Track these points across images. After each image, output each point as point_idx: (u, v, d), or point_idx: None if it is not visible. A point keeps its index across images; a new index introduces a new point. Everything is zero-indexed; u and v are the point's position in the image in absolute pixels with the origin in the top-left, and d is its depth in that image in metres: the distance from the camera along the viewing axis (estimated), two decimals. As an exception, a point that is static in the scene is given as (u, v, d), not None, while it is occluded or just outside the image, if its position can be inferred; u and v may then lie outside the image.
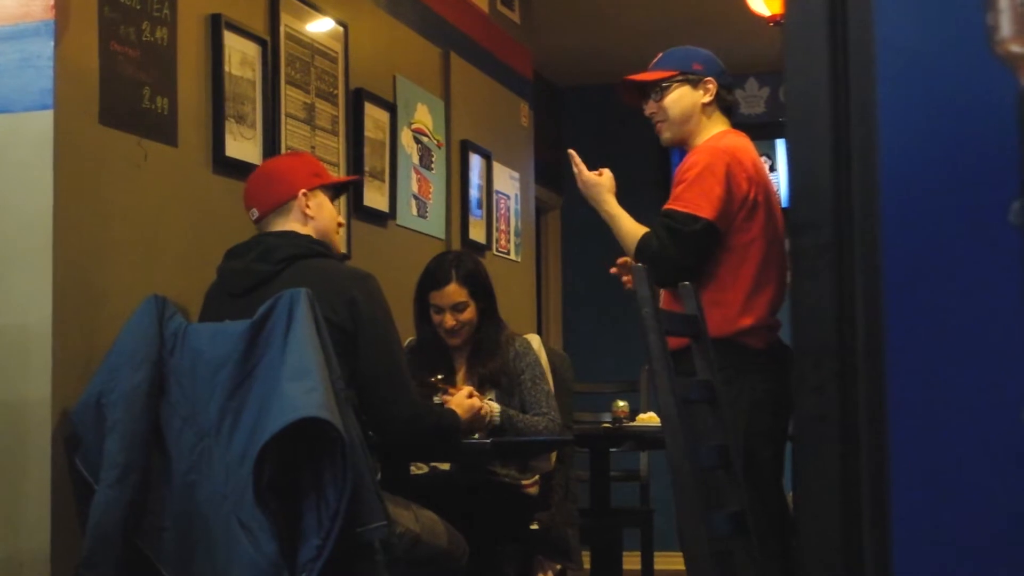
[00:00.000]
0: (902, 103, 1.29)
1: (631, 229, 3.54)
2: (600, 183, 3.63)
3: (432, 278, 4.03)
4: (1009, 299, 1.24)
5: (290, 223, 3.27)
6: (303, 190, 3.28)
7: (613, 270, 3.64)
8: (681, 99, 3.64)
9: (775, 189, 3.67)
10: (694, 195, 3.43)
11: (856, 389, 1.31)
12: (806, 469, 1.36)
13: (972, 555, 1.26)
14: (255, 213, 3.31)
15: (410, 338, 4.11)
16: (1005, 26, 1.23)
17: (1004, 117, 1.24)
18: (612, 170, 3.70)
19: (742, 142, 3.60)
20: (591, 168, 3.67)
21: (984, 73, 1.25)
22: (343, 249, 3.42)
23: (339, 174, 4.29)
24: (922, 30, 1.29)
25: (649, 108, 3.69)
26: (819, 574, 1.35)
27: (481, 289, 4.03)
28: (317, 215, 3.30)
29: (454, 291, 3.97)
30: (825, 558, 1.34)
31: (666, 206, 3.49)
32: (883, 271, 1.29)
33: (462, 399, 3.56)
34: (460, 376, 4.06)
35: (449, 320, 3.98)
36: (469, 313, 3.99)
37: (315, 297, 2.88)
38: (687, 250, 3.43)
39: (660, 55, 3.74)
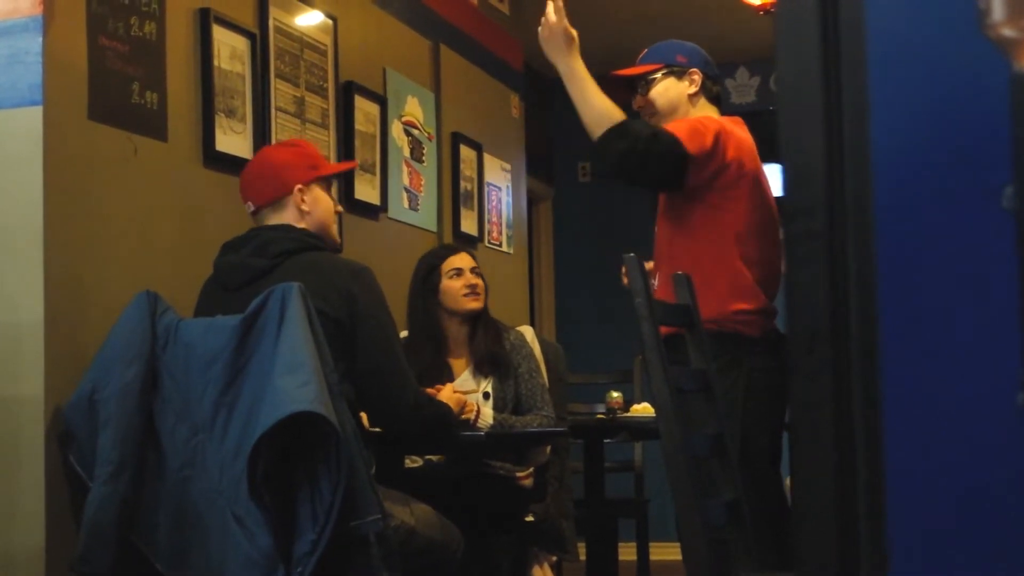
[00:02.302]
0: (894, 88, 1.29)
1: (604, 101, 3.48)
2: (565, 30, 3.62)
3: (443, 250, 4.21)
4: (1003, 284, 1.24)
5: (286, 217, 3.26)
6: (298, 185, 3.26)
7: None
8: (667, 91, 3.67)
9: (766, 174, 3.67)
10: (685, 131, 3.45)
11: (850, 376, 1.30)
12: (801, 457, 1.36)
13: (968, 542, 1.26)
14: (251, 206, 3.30)
15: (403, 332, 4.11)
16: (997, 9, 1.22)
17: (996, 101, 1.24)
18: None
19: (734, 121, 3.62)
20: None
21: (976, 57, 1.24)
22: (339, 239, 3.41)
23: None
24: (913, 14, 1.29)
25: (637, 103, 3.73)
26: (815, 562, 1.34)
27: (481, 273, 4.14)
28: (313, 209, 3.28)
29: (469, 258, 4.14)
30: (820, 545, 1.34)
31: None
32: (876, 257, 1.29)
33: (449, 393, 3.57)
34: (459, 364, 4.07)
35: (472, 277, 4.07)
36: (483, 282, 4.10)
37: (310, 290, 2.88)
38: (658, 162, 3.41)
39: (645, 51, 3.77)
